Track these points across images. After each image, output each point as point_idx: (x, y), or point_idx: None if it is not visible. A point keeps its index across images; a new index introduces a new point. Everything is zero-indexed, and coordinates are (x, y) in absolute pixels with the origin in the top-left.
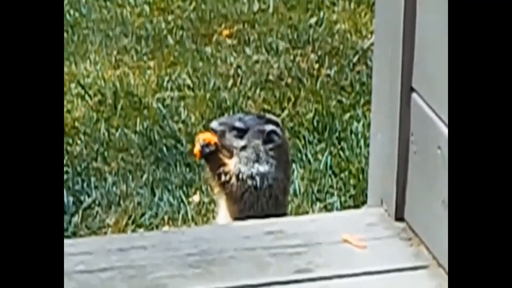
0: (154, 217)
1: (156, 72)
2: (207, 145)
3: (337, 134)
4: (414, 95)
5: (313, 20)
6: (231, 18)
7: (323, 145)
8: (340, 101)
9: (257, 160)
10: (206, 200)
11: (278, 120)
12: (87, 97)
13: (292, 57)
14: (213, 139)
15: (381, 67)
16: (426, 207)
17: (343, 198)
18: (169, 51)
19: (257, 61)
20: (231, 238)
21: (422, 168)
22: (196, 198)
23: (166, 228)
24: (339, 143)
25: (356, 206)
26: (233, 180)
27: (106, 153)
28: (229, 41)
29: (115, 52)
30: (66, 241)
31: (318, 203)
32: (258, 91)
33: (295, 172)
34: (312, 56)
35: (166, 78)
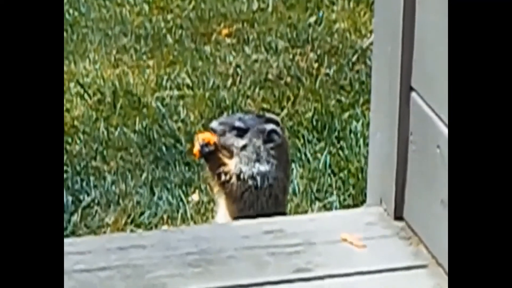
0: (153, 216)
1: (155, 71)
2: (207, 145)
3: (336, 133)
4: (413, 94)
5: (312, 19)
6: (230, 17)
7: (322, 144)
8: (339, 100)
9: (258, 159)
10: (205, 199)
11: (278, 119)
12: (86, 96)
13: (291, 56)
14: (213, 138)
15: (381, 66)
16: (425, 206)
17: (342, 197)
18: (168, 50)
19: (256, 60)
20: (231, 237)
21: (421, 167)
22: (195, 197)
23: (165, 227)
24: (338, 142)
25: (355, 205)
26: (234, 179)
27: (105, 152)
28: (228, 40)
29: (114, 51)
30: (65, 240)
31: (317, 202)
32: (257, 90)
33: (294, 171)
34: (312, 55)
35: (165, 77)
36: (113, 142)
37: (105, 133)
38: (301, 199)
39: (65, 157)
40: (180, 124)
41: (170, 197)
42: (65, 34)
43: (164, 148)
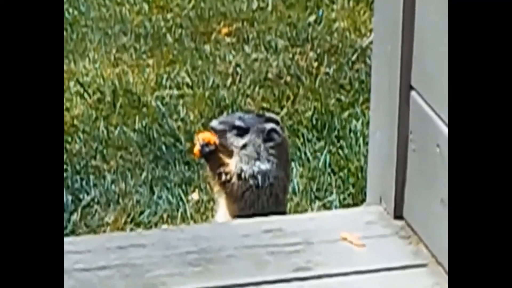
0: (153, 215)
1: (155, 70)
2: (207, 144)
3: (336, 132)
4: (413, 93)
5: (312, 18)
6: (230, 17)
7: (322, 143)
8: (339, 99)
9: (258, 158)
10: (205, 198)
11: (278, 118)
12: (86, 95)
13: (291, 55)
14: (213, 138)
15: (380, 65)
16: (425, 205)
17: (342, 196)
18: (168, 49)
19: (256, 59)
20: (230, 236)
21: (421, 166)
22: (195, 196)
23: (165, 226)
24: (338, 141)
25: (355, 204)
26: (234, 179)
27: (105, 151)
28: (228, 40)
29: (114, 50)
30: (65, 239)
31: (317, 201)
32: (257, 89)
33: (294, 170)
34: (311, 54)
35: (165, 76)
36: (113, 141)
37: (105, 132)
38: (301, 198)
39: (65, 156)
40: (180, 123)
41: (170, 196)
42: (65, 33)
43: (164, 147)
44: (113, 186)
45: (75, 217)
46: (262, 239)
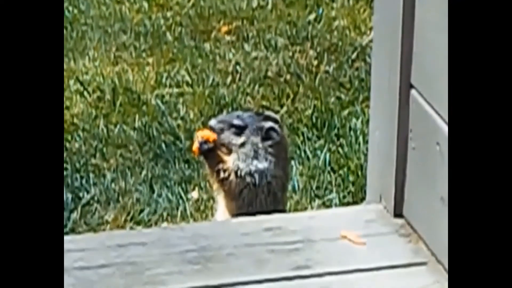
0: (152, 214)
1: (155, 69)
2: (205, 142)
3: (336, 130)
4: (413, 91)
5: (312, 17)
6: (230, 15)
7: (322, 141)
8: (339, 98)
9: (256, 157)
10: (205, 196)
11: (277, 117)
12: (86, 93)
13: (291, 54)
14: (212, 136)
15: (380, 64)
16: (425, 203)
17: (342, 195)
18: (168, 48)
19: (256, 58)
20: (230, 235)
21: (421, 165)
22: (195, 194)
23: (164, 224)
24: (338, 140)
25: (355, 203)
26: (232, 177)
27: (105, 150)
28: (228, 38)
29: (114, 49)
30: (65, 237)
31: (317, 200)
32: (257, 87)
33: (294, 169)
34: (311, 52)
35: (165, 75)
36: (112, 140)
37: (105, 130)
38: (301, 196)
39: (64, 155)
40: (179, 121)
41: (169, 195)
42: (64, 31)
43: (163, 146)
44: (113, 185)
45: (75, 215)
46: (262, 238)
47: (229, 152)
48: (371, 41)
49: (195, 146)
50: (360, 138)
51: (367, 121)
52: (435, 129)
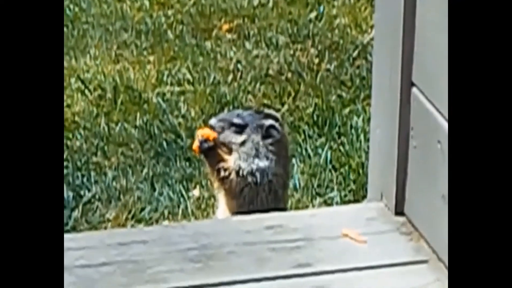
0: (154, 212)
1: (156, 67)
2: (206, 140)
3: (337, 128)
4: (414, 89)
5: (313, 15)
6: (231, 13)
7: (323, 139)
8: (340, 96)
9: (257, 155)
10: (206, 194)
11: (278, 115)
12: (87, 91)
13: (292, 52)
14: (212, 134)
15: (381, 62)
16: (426, 201)
17: (343, 193)
18: (169, 46)
19: (257, 56)
20: (231, 233)
21: (422, 163)
22: (196, 192)
23: (166, 222)
24: (339, 138)
25: (356, 201)
26: (233, 175)
27: (106, 148)
28: (229, 36)
29: (115, 47)
30: (66, 235)
31: (318, 198)
32: (258, 85)
33: (295, 167)
34: (312, 50)
35: (166, 73)
36: (114, 138)
37: (106, 128)
38: (302, 194)
39: (66, 153)
40: (180, 119)
41: (171, 193)
42: (65, 29)
43: (165, 144)
44: (114, 183)
45: (76, 213)
46: (263, 236)
47: (230, 151)
48: (372, 39)
49: (196, 145)
50: (361, 136)
51: (368, 119)
52: (436, 127)
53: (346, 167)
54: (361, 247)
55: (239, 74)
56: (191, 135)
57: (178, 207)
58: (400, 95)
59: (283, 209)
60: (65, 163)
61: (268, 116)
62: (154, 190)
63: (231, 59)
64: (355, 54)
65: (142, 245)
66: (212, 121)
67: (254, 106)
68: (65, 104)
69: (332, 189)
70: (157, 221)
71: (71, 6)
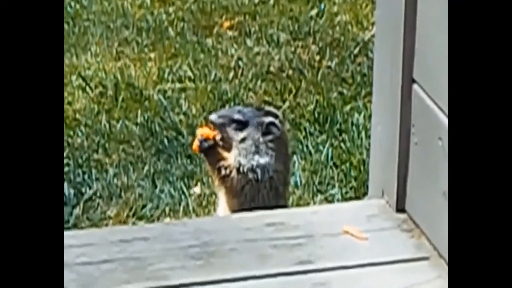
0: (155, 209)
1: (157, 64)
2: (205, 140)
3: (338, 125)
4: (415, 86)
5: (314, 12)
6: (232, 10)
7: (324, 136)
8: (341, 93)
9: (257, 152)
10: (207, 191)
11: (278, 112)
12: (88, 89)
13: (293, 49)
14: (212, 133)
15: (382, 59)
16: (427, 198)
17: (344, 190)
18: (170, 43)
19: (258, 53)
20: (232, 230)
21: (423, 160)
22: (197, 189)
23: (167, 220)
24: (340, 135)
25: (357, 198)
26: (233, 173)
27: (107, 145)
28: (230, 33)
29: (116, 44)
30: (67, 233)
31: (319, 195)
32: (259, 82)
33: (296, 164)
34: (313, 47)
35: (167, 70)
36: (115, 135)
37: (107, 126)
38: (303, 191)
39: (67, 150)
40: (182, 116)
41: (172, 190)
42: (67, 27)
43: (166, 141)
44: (115, 180)
45: (77, 210)
46: (264, 233)
47: (229, 147)
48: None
49: (195, 144)
50: (362, 133)
51: (369, 116)
52: (437, 124)
53: (347, 164)
54: (362, 244)
55: (240, 71)
56: (192, 132)
57: (179, 204)
58: (401, 92)
59: (284, 206)
60: (66, 160)
61: (268, 113)
62: (155, 187)
63: (232, 56)
64: (356, 51)
65: (143, 242)
66: (213, 117)
67: (255, 103)
68: (66, 101)
69: (333, 186)
70: (158, 218)
71: (72, 3)
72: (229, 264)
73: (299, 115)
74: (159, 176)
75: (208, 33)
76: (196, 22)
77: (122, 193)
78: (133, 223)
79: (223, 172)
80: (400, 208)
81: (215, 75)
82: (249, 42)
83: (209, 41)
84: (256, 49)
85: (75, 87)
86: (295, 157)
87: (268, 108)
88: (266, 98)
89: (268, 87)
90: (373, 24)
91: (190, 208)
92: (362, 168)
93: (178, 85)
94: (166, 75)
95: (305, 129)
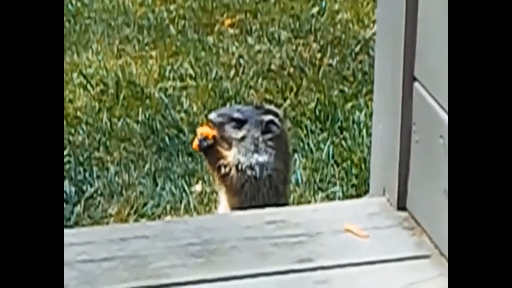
0: (156, 207)
1: (158, 62)
2: (205, 139)
3: (339, 123)
4: (416, 84)
5: (315, 10)
6: (233, 8)
7: (325, 134)
8: (342, 91)
9: (256, 150)
10: (208, 189)
11: (277, 110)
12: (89, 87)
13: (294, 47)
14: (211, 132)
15: (383, 57)
16: (428, 196)
17: (345, 188)
18: (171, 41)
19: (259, 51)
20: (233, 228)
21: (424, 158)
22: (198, 187)
23: (168, 217)
24: (341, 133)
25: (358, 196)
26: (233, 171)
27: (108, 143)
28: (231, 31)
29: (117, 42)
30: (68, 231)
31: (320, 193)
32: (260, 80)
33: (297, 162)
34: (314, 45)
35: (168, 68)
36: (116, 133)
37: (108, 123)
38: (304, 189)
39: (68, 148)
40: (183, 114)
41: (173, 188)
42: (68, 25)
43: (167, 139)
44: (116, 178)
45: (78, 208)
46: (265, 231)
47: (229, 145)
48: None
49: (195, 143)
50: (364, 131)
51: (371, 114)
52: (439, 122)
53: (348, 162)
54: (363, 242)
55: (241, 69)
56: (193, 130)
57: (180, 202)
58: (402, 90)
59: (285, 204)
60: (67, 158)
61: (267, 111)
62: (156, 185)
63: (233, 54)
64: (357, 49)
65: (144, 240)
66: (212, 116)
67: (252, 102)
68: (67, 99)
69: (334, 184)
70: (159, 216)
71: (73, 1)
72: (230, 262)
73: (300, 113)
74: (160, 174)
75: (209, 31)
76: (197, 20)
77: (123, 191)
78: (134, 221)
79: (222, 170)
80: (401, 206)
81: (216, 73)
82: (250, 40)
83: (210, 39)
84: (257, 47)
85: (76, 85)
86: (296, 155)
87: (267, 106)
88: (267, 96)
89: (269, 85)
90: (374, 22)
91: (191, 206)
92: (363, 166)
93: (179, 83)
94: (167, 73)
95: (306, 127)
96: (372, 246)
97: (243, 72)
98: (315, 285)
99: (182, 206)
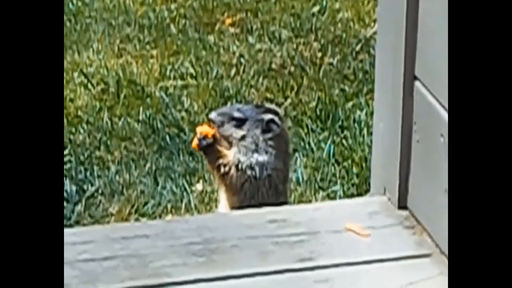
0: (157, 206)
1: (159, 61)
2: (204, 138)
3: (340, 122)
4: (417, 83)
5: (315, 9)
6: (234, 7)
7: (326, 133)
8: (343, 90)
9: (256, 150)
10: (209, 188)
11: (278, 109)
12: (90, 86)
13: (295, 46)
14: (211, 131)
15: (384, 56)
16: (429, 195)
17: (346, 187)
18: (172, 40)
19: (260, 50)
20: (234, 227)
21: (425, 157)
22: (199, 186)
23: (169, 216)
24: (342, 132)
25: (359, 195)
26: (233, 171)
27: (109, 142)
28: (232, 30)
29: (118, 41)
30: (69, 230)
31: (321, 192)
32: (261, 79)
33: (298, 161)
34: (315, 44)
35: (169, 67)
36: (117, 132)
37: (109, 123)
38: (305, 188)
39: (69, 147)
40: (183, 113)
41: (174, 187)
42: (68, 24)
43: (168, 138)
44: (117, 177)
45: (79, 207)
46: (266, 230)
47: (229, 145)
48: (375, 33)
49: (195, 142)
50: (364, 130)
51: (371, 113)
52: (439, 121)
53: (349, 161)
54: (364, 241)
55: (242, 68)
56: (194, 129)
57: (181, 201)
58: (403, 89)
59: (285, 203)
60: (68, 157)
61: (268, 110)
62: (157, 184)
63: (234, 53)
64: (358, 48)
65: (145, 239)
66: (212, 115)
67: (257, 101)
68: (68, 98)
69: (335, 183)
70: (160, 215)
71: (74, 0)
72: (231, 261)
73: (301, 112)
74: (161, 173)
75: (210, 30)
76: (198, 19)
77: (124, 190)
78: (135, 220)
79: (222, 170)
80: (402, 205)
81: (217, 72)
82: (251, 39)
83: (211, 38)
84: (258, 46)
85: (77, 84)
86: (297, 154)
87: (268, 105)
88: (268, 95)
89: (270, 84)
90: (374, 21)
91: (192, 205)
92: (364, 165)
93: (180, 82)
94: (168, 72)
95: (307, 126)
96: (372, 245)
97: (243, 71)
98: (316, 284)
99: (183, 205)
